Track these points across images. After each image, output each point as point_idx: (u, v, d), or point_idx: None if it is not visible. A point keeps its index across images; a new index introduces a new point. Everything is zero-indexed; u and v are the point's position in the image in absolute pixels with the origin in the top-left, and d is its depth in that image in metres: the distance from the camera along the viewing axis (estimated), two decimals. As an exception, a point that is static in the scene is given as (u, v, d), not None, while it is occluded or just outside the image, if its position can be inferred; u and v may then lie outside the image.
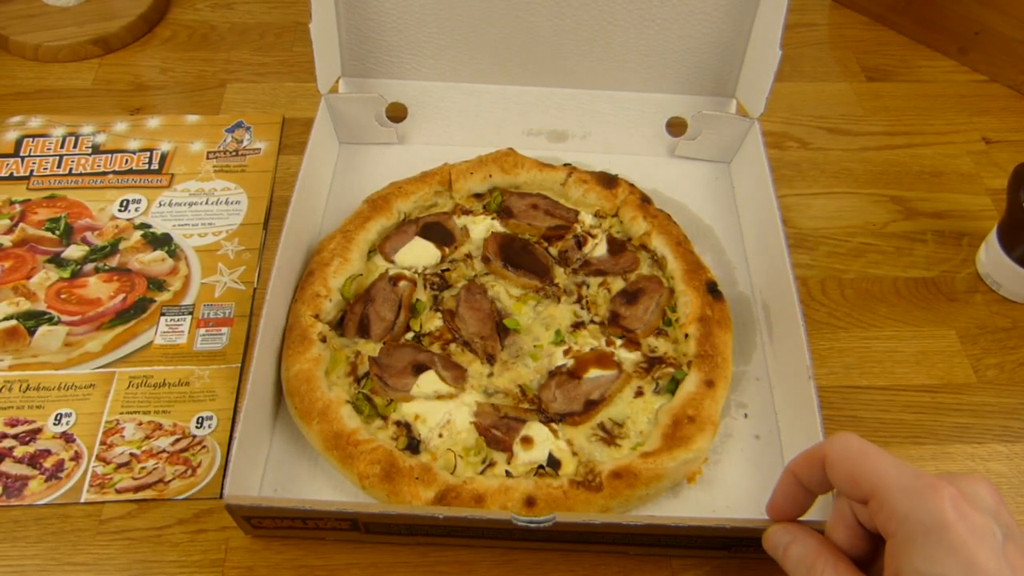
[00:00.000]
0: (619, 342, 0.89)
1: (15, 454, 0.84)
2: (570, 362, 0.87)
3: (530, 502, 0.74)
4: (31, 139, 1.14)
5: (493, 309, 0.92)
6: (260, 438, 0.81)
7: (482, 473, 0.79)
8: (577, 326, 0.91)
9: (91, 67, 1.25)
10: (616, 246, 0.98)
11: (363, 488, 0.78)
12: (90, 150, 1.13)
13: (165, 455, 0.84)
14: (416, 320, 0.91)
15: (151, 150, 1.13)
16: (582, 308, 0.93)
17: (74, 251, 1.01)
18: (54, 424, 0.86)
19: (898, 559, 0.50)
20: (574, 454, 0.81)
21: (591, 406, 0.84)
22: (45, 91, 1.21)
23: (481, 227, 1.00)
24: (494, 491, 0.75)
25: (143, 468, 0.83)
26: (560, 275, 0.96)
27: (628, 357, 0.88)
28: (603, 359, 0.87)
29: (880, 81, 1.29)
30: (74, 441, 0.85)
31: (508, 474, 0.79)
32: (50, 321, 0.94)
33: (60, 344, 0.92)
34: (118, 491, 0.81)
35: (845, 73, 1.30)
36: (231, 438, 0.80)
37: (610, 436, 0.82)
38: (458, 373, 0.86)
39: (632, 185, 1.03)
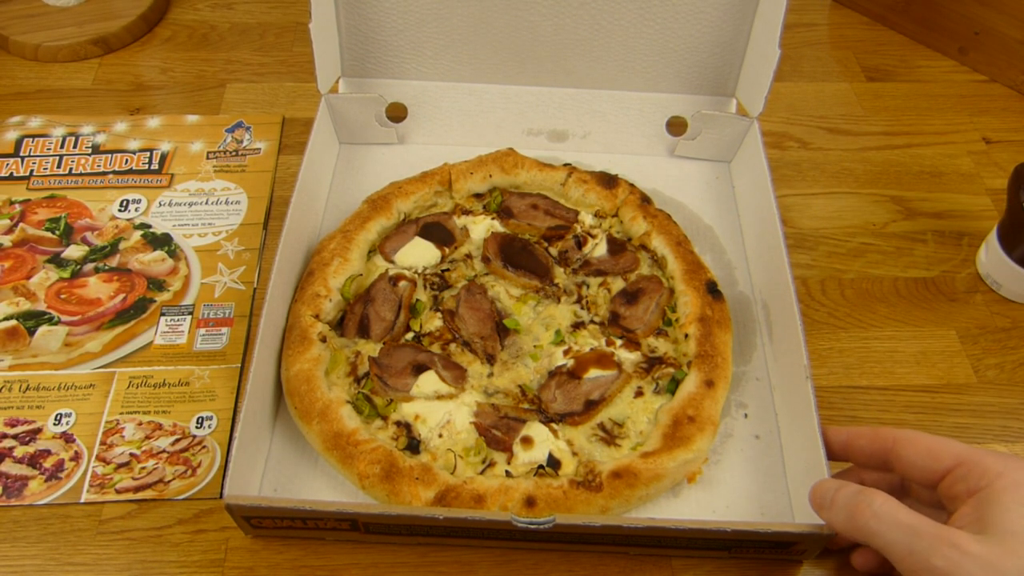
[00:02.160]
0: (619, 342, 0.89)
1: (15, 454, 0.84)
2: (570, 362, 0.87)
3: (530, 502, 0.74)
4: (31, 139, 1.14)
5: (493, 309, 0.92)
6: (260, 438, 0.81)
7: (482, 473, 0.79)
8: (577, 326, 0.91)
9: (91, 67, 1.25)
10: (616, 246, 0.98)
11: (363, 488, 0.78)
12: (90, 150, 1.13)
13: (165, 455, 0.84)
14: (416, 320, 0.91)
15: (151, 150, 1.13)
16: (582, 308, 0.93)
17: (74, 251, 1.01)
18: (54, 424, 0.86)
19: (993, 503, 0.62)
20: (574, 454, 0.81)
21: (591, 406, 0.84)
22: (45, 91, 1.21)
23: (481, 227, 1.00)
24: (494, 491, 0.75)
25: (143, 468, 0.83)
26: (560, 275, 0.96)
27: (628, 357, 0.88)
28: (603, 359, 0.87)
29: (880, 81, 1.29)
30: (74, 441, 0.85)
31: (508, 474, 0.79)
32: (50, 321, 0.94)
33: (60, 344, 0.92)
34: (118, 491, 0.81)
35: (845, 73, 1.30)
36: (231, 438, 0.80)
37: (610, 436, 0.82)
38: (458, 373, 0.86)
39: (632, 185, 1.03)
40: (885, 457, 0.72)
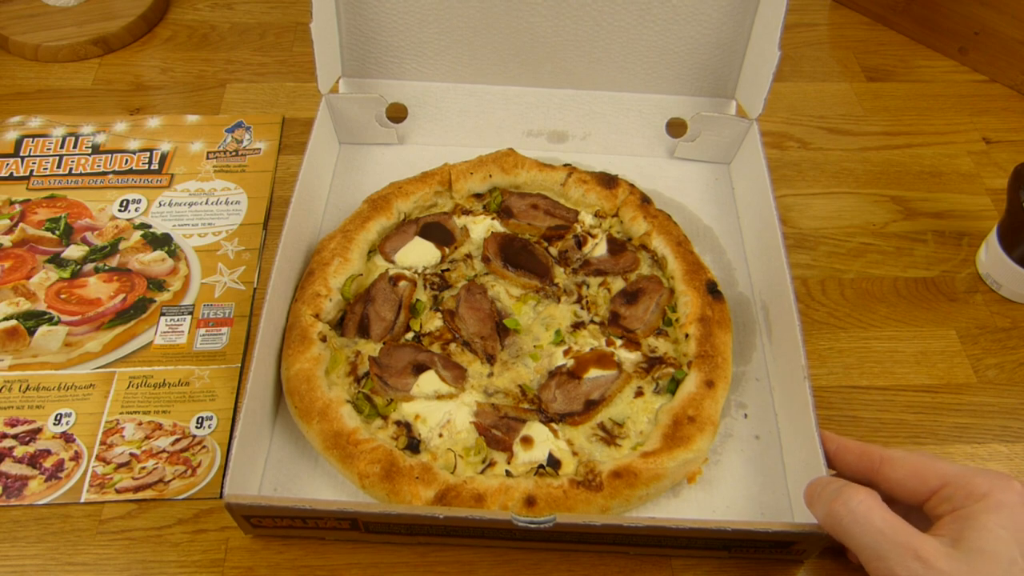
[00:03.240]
0: (619, 342, 0.89)
1: (15, 454, 0.84)
2: (570, 362, 0.87)
3: (530, 502, 0.74)
4: (31, 139, 1.14)
5: (493, 309, 0.92)
6: (260, 438, 0.81)
7: (482, 473, 0.79)
8: (577, 326, 0.91)
9: (91, 67, 1.25)
10: (616, 246, 0.98)
11: (363, 488, 0.78)
12: (90, 150, 1.13)
13: (165, 455, 0.84)
14: (416, 320, 0.91)
15: (151, 150, 1.13)
16: (582, 308, 0.93)
17: (74, 251, 1.01)
18: (54, 424, 0.86)
19: (972, 519, 0.62)
20: (574, 454, 0.81)
21: (591, 406, 0.84)
22: (45, 91, 1.21)
23: (481, 227, 1.00)
24: (494, 491, 0.75)
25: (143, 468, 0.83)
26: (560, 275, 0.96)
27: (628, 357, 0.88)
28: (603, 359, 0.87)
29: (880, 81, 1.29)
30: (74, 441, 0.85)
31: (508, 474, 0.79)
32: (50, 321, 0.94)
33: (60, 344, 0.92)
34: (118, 491, 0.81)
35: (845, 73, 1.30)
36: (231, 438, 0.80)
37: (610, 436, 0.82)
38: (458, 373, 0.86)
39: (632, 185, 1.03)
40: (871, 477, 0.70)
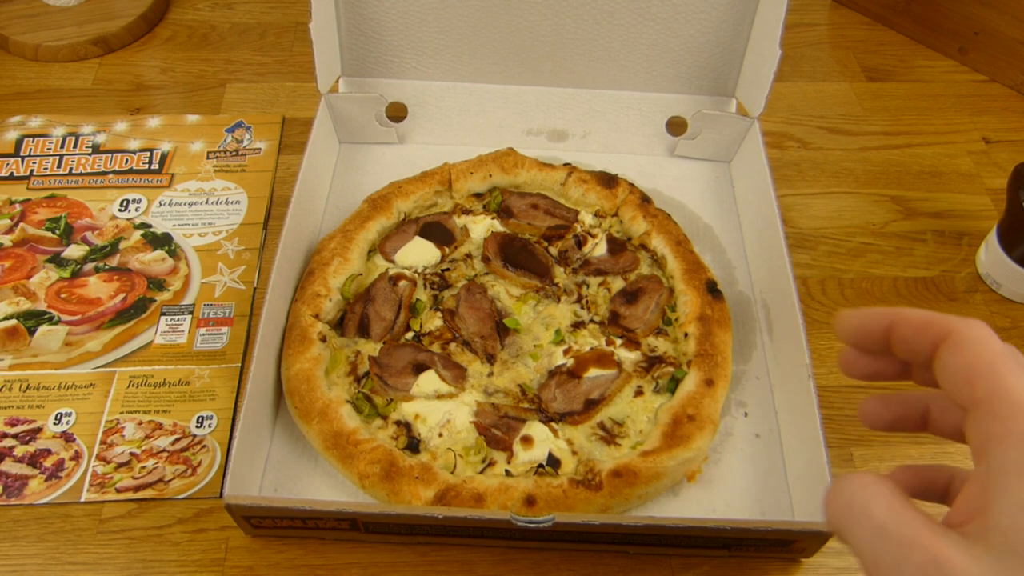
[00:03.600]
0: (619, 341, 0.89)
1: (15, 453, 0.84)
2: (570, 361, 0.87)
3: (530, 501, 0.74)
4: (31, 139, 1.14)
5: (493, 309, 0.92)
6: (260, 438, 0.81)
7: (482, 472, 0.79)
8: (577, 326, 0.91)
9: (91, 67, 1.25)
10: (616, 246, 0.98)
11: (363, 488, 0.78)
12: (90, 150, 1.13)
13: (165, 455, 0.84)
14: (416, 320, 0.91)
15: (151, 150, 1.13)
16: (582, 308, 0.93)
17: (74, 251, 1.01)
18: (54, 424, 0.86)
19: (1001, 493, 0.41)
20: (574, 453, 0.81)
21: (591, 405, 0.84)
22: (45, 91, 1.21)
23: (481, 227, 1.00)
24: (494, 490, 0.75)
25: (143, 468, 0.83)
26: (560, 275, 0.96)
27: (628, 356, 0.88)
28: (603, 358, 0.87)
29: (880, 81, 1.29)
30: (74, 441, 0.85)
31: (508, 473, 0.79)
32: (50, 321, 0.94)
33: (60, 344, 0.92)
34: (118, 490, 0.81)
35: (845, 73, 1.30)
36: (231, 438, 0.80)
37: (610, 435, 0.82)
38: (458, 373, 0.86)
39: (632, 185, 1.03)
40: (931, 356, 0.50)
